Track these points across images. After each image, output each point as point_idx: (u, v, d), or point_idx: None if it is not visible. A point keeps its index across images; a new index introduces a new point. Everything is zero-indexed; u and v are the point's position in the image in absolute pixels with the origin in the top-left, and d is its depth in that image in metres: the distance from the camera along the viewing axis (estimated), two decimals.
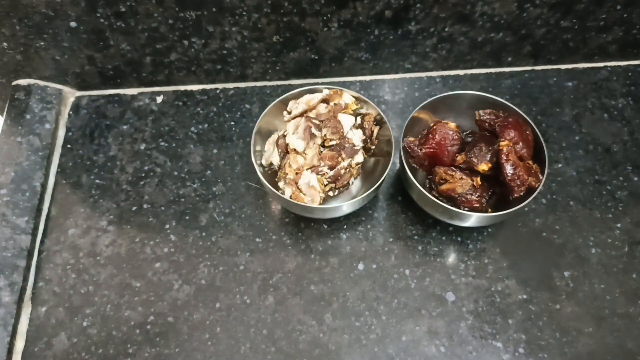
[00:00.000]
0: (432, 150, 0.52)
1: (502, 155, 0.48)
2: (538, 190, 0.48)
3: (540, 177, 0.49)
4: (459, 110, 0.55)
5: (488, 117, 0.53)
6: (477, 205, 0.50)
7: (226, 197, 0.58)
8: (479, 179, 0.50)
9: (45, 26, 0.55)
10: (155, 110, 0.64)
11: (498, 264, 0.54)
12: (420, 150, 0.53)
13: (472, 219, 0.49)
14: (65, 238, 0.55)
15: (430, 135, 0.52)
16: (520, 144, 0.50)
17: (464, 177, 0.50)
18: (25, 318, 0.51)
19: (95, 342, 0.50)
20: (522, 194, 0.48)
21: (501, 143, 0.49)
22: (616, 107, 0.64)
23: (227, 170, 0.60)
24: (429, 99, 0.53)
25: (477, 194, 0.50)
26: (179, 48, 0.60)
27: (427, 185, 0.53)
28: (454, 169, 0.51)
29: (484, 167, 0.49)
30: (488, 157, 0.49)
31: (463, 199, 0.50)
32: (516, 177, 0.48)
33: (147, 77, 0.64)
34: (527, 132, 0.51)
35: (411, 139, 0.53)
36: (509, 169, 0.48)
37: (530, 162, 0.51)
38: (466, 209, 0.50)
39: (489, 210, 0.50)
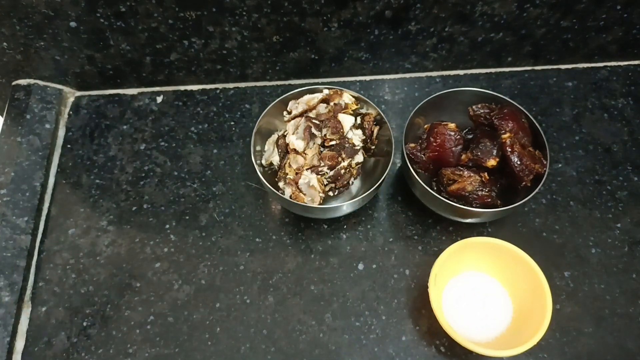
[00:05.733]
0: (436, 153, 0.52)
1: (507, 148, 0.49)
2: (546, 175, 0.48)
3: (544, 162, 0.50)
4: (457, 109, 0.55)
5: (482, 110, 0.53)
6: (489, 200, 0.50)
7: (226, 197, 0.58)
8: (486, 174, 0.50)
9: (45, 26, 0.55)
10: (155, 110, 0.64)
11: None
12: (424, 155, 0.52)
13: (488, 215, 0.50)
14: (65, 238, 0.55)
15: (431, 138, 0.52)
16: (520, 133, 0.50)
17: (472, 174, 0.50)
18: (25, 318, 0.51)
19: (95, 342, 0.50)
20: (530, 182, 0.49)
21: (503, 136, 0.49)
22: (616, 107, 0.64)
23: (227, 170, 0.60)
24: (426, 99, 0.53)
25: (487, 188, 0.50)
26: (179, 48, 0.60)
27: (435, 188, 0.53)
28: (461, 168, 0.51)
29: (492, 162, 0.49)
30: (494, 152, 0.49)
31: (474, 195, 0.50)
32: (524, 167, 0.48)
33: (147, 77, 0.64)
34: (523, 119, 0.51)
35: (412, 145, 0.53)
36: (515, 160, 0.48)
37: (531, 148, 0.51)
38: (477, 205, 0.50)
39: (499, 202, 0.50)
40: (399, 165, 0.59)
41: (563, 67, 0.67)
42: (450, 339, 0.45)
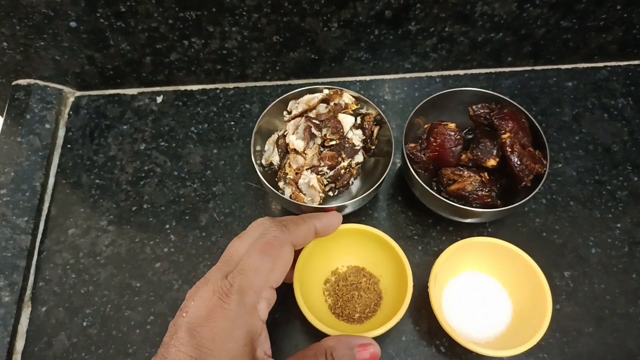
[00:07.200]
0: (436, 153, 0.52)
1: (507, 148, 0.49)
2: (546, 175, 0.48)
3: (544, 162, 0.50)
4: (457, 109, 0.55)
5: (482, 111, 0.53)
6: (489, 200, 0.50)
7: (226, 197, 0.58)
8: (486, 174, 0.50)
9: (45, 26, 0.55)
10: (155, 110, 0.64)
11: None
12: (424, 155, 0.52)
13: (488, 215, 0.50)
14: (65, 238, 0.55)
15: (431, 138, 0.52)
16: (520, 133, 0.50)
17: (472, 174, 0.50)
18: (25, 318, 0.51)
19: (95, 342, 0.50)
20: (530, 182, 0.49)
21: (503, 136, 0.49)
22: (616, 107, 0.64)
23: (227, 170, 0.60)
24: (426, 99, 0.53)
25: (487, 188, 0.50)
26: (179, 48, 0.60)
27: (435, 188, 0.53)
28: (461, 168, 0.51)
29: (492, 162, 0.49)
30: (494, 152, 0.50)
31: (474, 195, 0.50)
32: (524, 167, 0.48)
33: (147, 77, 0.64)
34: (523, 119, 0.52)
35: (412, 145, 0.53)
36: (515, 160, 0.48)
37: (531, 148, 0.51)
38: (477, 205, 0.50)
39: (499, 202, 0.51)
40: (399, 165, 0.59)
41: (563, 67, 0.67)
42: (450, 339, 0.45)
